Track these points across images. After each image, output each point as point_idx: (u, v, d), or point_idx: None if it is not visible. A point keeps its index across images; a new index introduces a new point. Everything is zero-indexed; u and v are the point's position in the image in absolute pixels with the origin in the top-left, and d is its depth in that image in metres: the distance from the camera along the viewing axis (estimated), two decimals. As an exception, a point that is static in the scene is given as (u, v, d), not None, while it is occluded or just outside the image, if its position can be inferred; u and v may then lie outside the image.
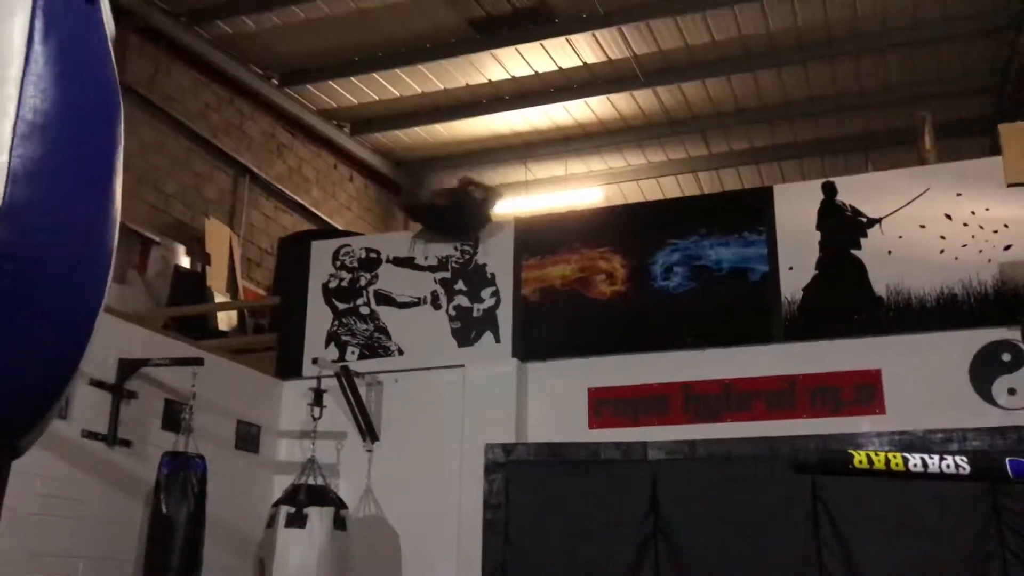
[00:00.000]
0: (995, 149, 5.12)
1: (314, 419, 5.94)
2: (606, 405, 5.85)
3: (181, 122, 8.47)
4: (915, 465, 1.87)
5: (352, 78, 9.32)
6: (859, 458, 1.89)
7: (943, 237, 5.44)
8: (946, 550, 4.71)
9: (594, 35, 8.52)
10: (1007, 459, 1.94)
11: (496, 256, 6.39)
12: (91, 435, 4.94)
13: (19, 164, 1.37)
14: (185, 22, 8.39)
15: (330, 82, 9.44)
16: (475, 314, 6.30)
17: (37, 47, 1.40)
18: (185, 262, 8.12)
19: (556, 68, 9.07)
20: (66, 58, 1.43)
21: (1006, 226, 5.33)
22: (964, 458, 1.95)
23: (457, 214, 6.46)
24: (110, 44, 1.55)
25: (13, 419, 1.48)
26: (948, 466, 1.90)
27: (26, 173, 1.37)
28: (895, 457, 1.92)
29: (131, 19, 7.87)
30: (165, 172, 8.28)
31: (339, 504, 5.61)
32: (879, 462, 1.89)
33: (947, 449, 4.72)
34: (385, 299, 6.55)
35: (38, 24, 1.41)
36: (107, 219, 1.52)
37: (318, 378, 6.10)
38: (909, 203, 5.55)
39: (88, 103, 1.49)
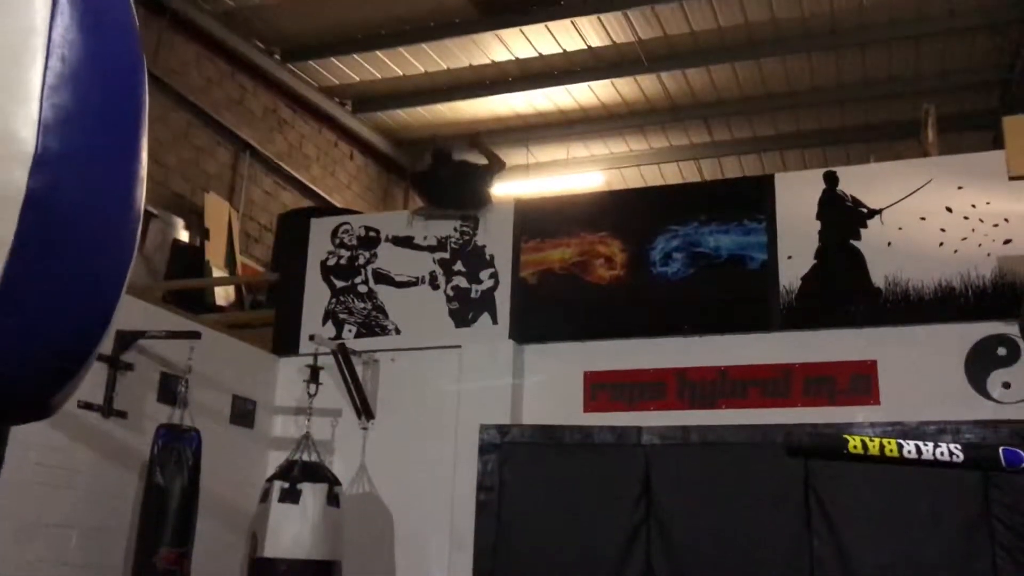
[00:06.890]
0: (999, 143, 5.11)
1: (310, 396, 5.94)
2: (601, 389, 5.86)
3: (183, 96, 8.44)
4: (909, 452, 1.88)
5: (355, 55, 9.29)
6: (854, 443, 1.90)
7: (943, 230, 5.44)
8: (935, 541, 4.73)
9: (599, 18, 8.48)
10: (1001, 448, 1.95)
11: (495, 238, 6.38)
12: (87, 406, 4.94)
13: (50, 114, 1.33)
14: (188, -5, 8.36)
15: (333, 59, 9.40)
16: (473, 295, 6.30)
17: None
18: (184, 236, 8.11)
19: (560, 51, 9.04)
20: (93, 11, 1.41)
21: (1006, 220, 5.33)
22: (958, 446, 1.95)
23: (459, 183, 6.44)
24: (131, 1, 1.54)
25: (44, 376, 1.44)
26: (942, 453, 1.91)
27: (57, 123, 1.33)
28: (890, 443, 1.93)
29: (134, -10, 7.82)
30: (166, 145, 8.25)
31: (333, 481, 5.62)
32: (874, 448, 1.90)
33: (940, 441, 4.74)
34: (383, 278, 6.54)
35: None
36: (136, 176, 1.49)
37: (315, 355, 6.10)
38: (910, 195, 5.55)
39: (116, 58, 1.46)
